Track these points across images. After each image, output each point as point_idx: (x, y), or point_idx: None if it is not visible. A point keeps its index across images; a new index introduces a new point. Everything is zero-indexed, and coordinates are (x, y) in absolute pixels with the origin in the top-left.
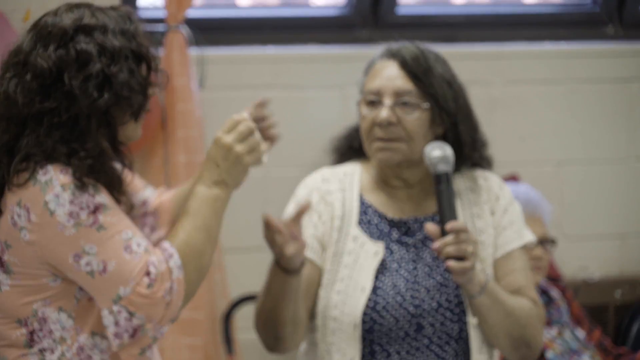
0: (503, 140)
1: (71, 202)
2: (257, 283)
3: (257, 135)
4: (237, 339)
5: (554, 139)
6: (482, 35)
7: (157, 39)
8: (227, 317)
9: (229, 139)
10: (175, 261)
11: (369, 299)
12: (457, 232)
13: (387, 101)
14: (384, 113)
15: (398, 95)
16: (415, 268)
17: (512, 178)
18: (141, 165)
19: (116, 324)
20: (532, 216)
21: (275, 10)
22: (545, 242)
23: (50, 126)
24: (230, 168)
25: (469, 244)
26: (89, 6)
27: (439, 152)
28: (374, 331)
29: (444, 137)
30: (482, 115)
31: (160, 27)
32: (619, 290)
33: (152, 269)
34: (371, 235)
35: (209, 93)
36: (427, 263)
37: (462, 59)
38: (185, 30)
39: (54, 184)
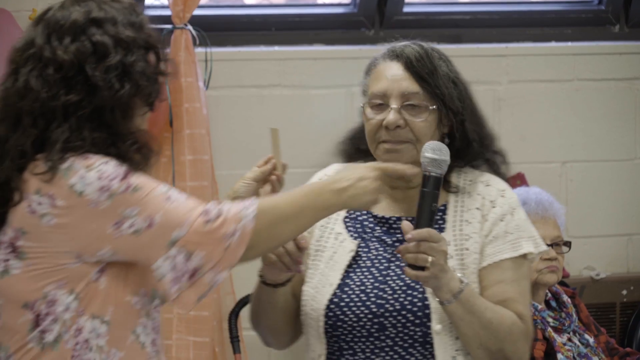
0: (508, 140)
1: (99, 178)
2: None
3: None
4: (243, 337)
5: (559, 138)
6: (488, 34)
7: (163, 38)
8: (234, 316)
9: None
10: (249, 212)
11: (334, 295)
12: (419, 240)
13: (394, 104)
14: (391, 116)
15: (404, 97)
16: (388, 267)
17: (517, 177)
18: None
19: (173, 268)
20: (543, 218)
21: (280, 9)
22: (557, 244)
23: (79, 118)
24: (356, 191)
25: (429, 254)
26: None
27: (433, 155)
28: (338, 328)
29: (450, 135)
30: (487, 114)
31: (166, 27)
32: (625, 289)
33: (211, 211)
34: (354, 231)
35: (215, 92)
36: (401, 264)
37: (468, 58)
38: (191, 30)
39: (76, 168)
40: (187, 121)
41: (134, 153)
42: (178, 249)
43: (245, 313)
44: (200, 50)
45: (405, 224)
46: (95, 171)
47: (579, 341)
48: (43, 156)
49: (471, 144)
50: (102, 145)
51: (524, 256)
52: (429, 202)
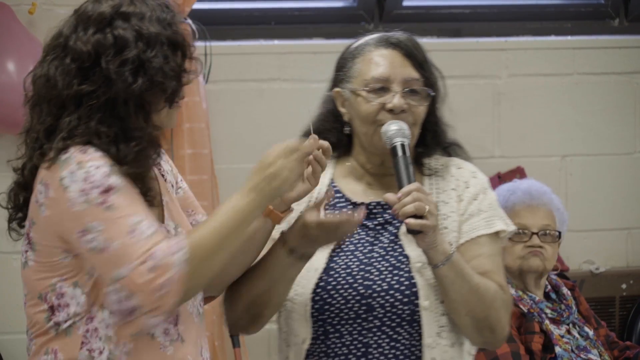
0: (508, 134)
1: (84, 179)
2: None
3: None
4: None
5: (559, 132)
6: (488, 28)
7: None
8: None
9: (274, 151)
10: (181, 256)
11: (320, 279)
12: (412, 192)
13: (397, 88)
14: (397, 100)
15: (407, 83)
16: (371, 250)
17: (517, 171)
18: None
19: (116, 301)
20: (529, 206)
21: (280, 3)
22: (545, 233)
23: (89, 108)
24: (267, 179)
25: (426, 203)
26: None
27: (395, 126)
28: (325, 311)
29: (424, 123)
30: (487, 108)
31: None
32: (624, 283)
33: (155, 256)
34: None
35: (215, 86)
36: (384, 246)
37: (468, 52)
38: (190, 24)
39: (71, 161)
40: (187, 115)
41: (134, 155)
42: (120, 287)
43: None
44: (199, 44)
45: (389, 195)
46: (84, 171)
47: (579, 333)
48: (60, 145)
49: (444, 132)
50: (104, 139)
51: (497, 234)
52: (405, 165)
